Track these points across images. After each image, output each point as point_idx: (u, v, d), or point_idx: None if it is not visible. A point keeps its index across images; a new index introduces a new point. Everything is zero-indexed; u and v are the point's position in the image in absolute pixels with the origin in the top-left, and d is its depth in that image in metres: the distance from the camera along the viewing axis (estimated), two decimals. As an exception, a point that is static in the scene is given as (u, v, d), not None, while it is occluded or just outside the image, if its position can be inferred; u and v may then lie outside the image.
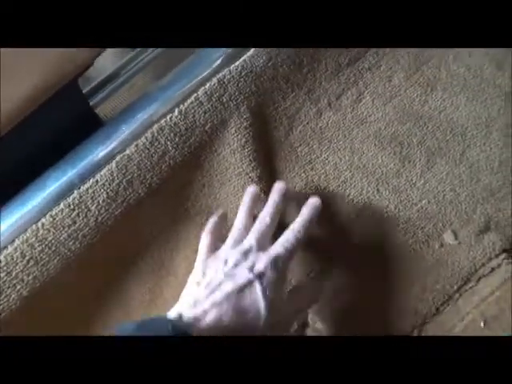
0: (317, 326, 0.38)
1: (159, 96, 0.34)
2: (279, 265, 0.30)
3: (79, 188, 0.32)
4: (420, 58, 0.40)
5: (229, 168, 0.37)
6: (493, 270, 0.36)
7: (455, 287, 0.36)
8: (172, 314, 0.29)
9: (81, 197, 0.32)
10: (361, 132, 0.39)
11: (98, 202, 0.33)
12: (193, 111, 0.34)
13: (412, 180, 0.38)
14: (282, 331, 0.33)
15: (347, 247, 0.38)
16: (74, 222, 0.32)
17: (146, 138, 0.33)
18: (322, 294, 0.36)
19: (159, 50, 0.40)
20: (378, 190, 0.38)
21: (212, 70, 0.34)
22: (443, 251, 0.37)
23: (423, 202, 0.38)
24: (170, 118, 0.34)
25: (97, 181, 0.32)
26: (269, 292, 0.29)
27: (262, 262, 0.30)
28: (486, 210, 0.38)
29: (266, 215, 0.32)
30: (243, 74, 0.35)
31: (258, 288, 0.29)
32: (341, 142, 0.39)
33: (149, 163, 0.34)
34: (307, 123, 0.38)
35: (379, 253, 0.37)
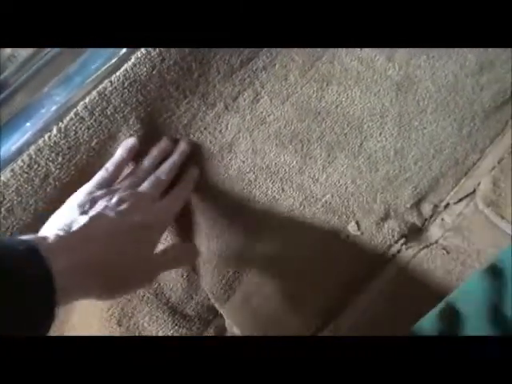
0: (234, 330, 0.38)
1: (33, 114, 0.31)
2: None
3: None
4: (314, 53, 0.40)
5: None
6: (393, 256, 0.38)
7: (360, 278, 0.37)
8: None
9: None
10: (261, 132, 0.39)
11: (-27, 235, 0.30)
12: (74, 128, 0.32)
13: (314, 176, 0.39)
14: (142, 277, 0.31)
15: (256, 248, 0.38)
16: None
17: (23, 161, 0.31)
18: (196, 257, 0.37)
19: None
20: (282, 188, 0.38)
21: (91, 82, 0.32)
22: (349, 243, 0.38)
23: (327, 196, 0.39)
24: (49, 138, 0.31)
25: (-32, 213, 0.30)
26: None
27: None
28: (386, 198, 0.39)
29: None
30: (126, 84, 0.33)
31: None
32: (242, 145, 0.38)
33: (30, 188, 0.31)
34: (205, 129, 0.38)
35: (287, 251, 0.38)
